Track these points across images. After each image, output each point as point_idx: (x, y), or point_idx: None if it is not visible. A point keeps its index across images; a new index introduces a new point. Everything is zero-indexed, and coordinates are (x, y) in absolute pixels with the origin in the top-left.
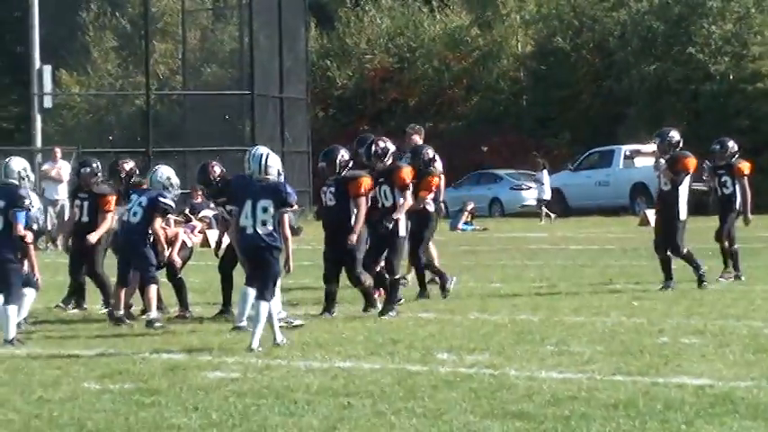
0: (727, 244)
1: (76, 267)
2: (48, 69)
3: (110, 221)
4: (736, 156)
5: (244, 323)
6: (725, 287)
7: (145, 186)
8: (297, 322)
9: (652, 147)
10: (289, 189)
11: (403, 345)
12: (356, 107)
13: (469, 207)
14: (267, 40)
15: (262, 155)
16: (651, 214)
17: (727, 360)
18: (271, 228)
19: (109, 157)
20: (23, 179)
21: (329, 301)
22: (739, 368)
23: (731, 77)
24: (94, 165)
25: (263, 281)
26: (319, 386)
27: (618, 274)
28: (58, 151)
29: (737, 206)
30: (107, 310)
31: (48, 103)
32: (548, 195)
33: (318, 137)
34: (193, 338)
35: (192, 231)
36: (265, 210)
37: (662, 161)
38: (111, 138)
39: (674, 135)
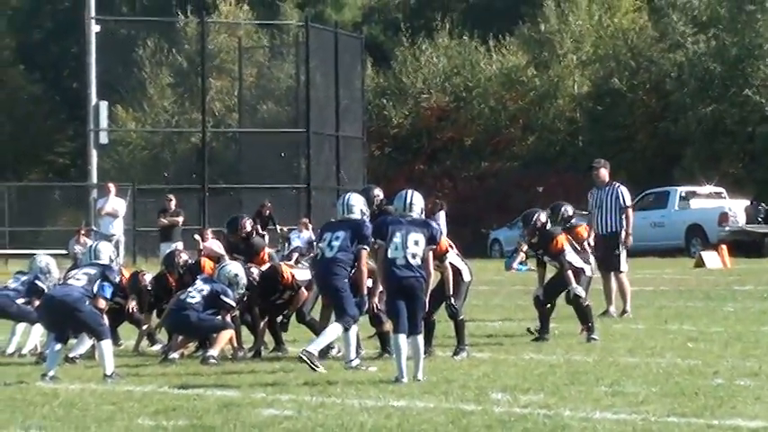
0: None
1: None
2: (104, 105)
3: None
4: (571, 221)
5: (357, 361)
6: None
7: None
8: (371, 369)
9: (708, 188)
10: (435, 226)
11: (457, 384)
12: (412, 146)
13: (525, 247)
14: (323, 78)
15: (406, 193)
16: (707, 256)
17: None
18: (420, 261)
19: (164, 193)
20: (112, 261)
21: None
22: None
23: None
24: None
25: (413, 313)
26: (373, 425)
27: (673, 315)
28: (112, 187)
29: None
30: (161, 347)
31: (104, 139)
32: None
33: (374, 175)
34: (248, 376)
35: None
36: (416, 243)
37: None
38: (166, 174)
39: (568, 209)
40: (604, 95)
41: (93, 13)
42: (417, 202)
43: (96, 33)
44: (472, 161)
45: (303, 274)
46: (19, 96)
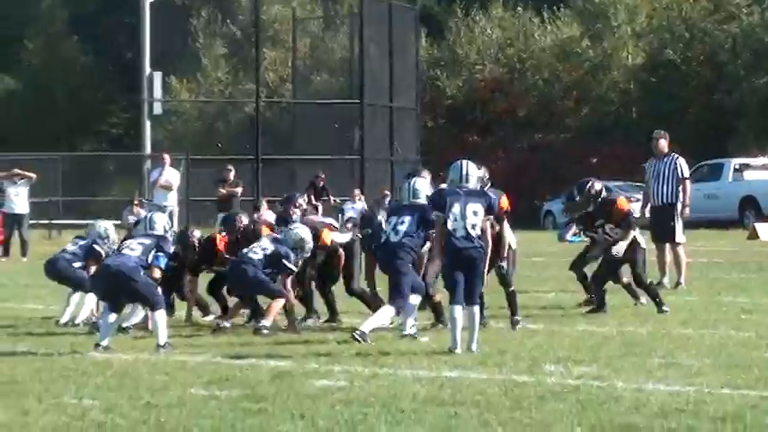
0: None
1: None
2: (158, 76)
3: None
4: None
5: (413, 330)
6: None
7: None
8: (424, 339)
9: (762, 160)
10: (493, 195)
11: (510, 355)
12: (466, 117)
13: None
14: (377, 49)
15: (462, 163)
16: (761, 228)
17: None
18: (480, 232)
19: (218, 163)
20: (167, 231)
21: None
22: None
23: None
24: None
25: (471, 284)
26: (426, 395)
27: (726, 287)
28: (167, 157)
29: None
30: (213, 318)
31: (158, 109)
32: None
33: (427, 146)
34: (300, 346)
35: None
36: (475, 213)
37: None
38: (219, 145)
39: (596, 185)
40: (658, 67)
41: None
42: (473, 172)
43: (150, 3)
44: (525, 133)
45: (342, 236)
46: (72, 67)
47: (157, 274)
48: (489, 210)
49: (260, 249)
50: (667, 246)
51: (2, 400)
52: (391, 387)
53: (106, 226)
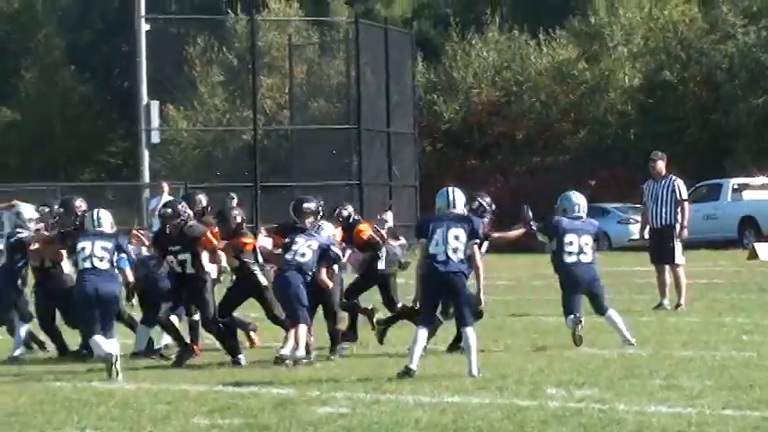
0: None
1: None
2: (155, 104)
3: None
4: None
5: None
6: None
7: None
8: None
9: (761, 179)
10: (477, 220)
11: (512, 379)
12: (463, 141)
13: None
14: (374, 75)
15: (448, 190)
16: (760, 248)
17: None
18: (462, 256)
19: (217, 191)
20: (113, 227)
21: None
22: None
23: None
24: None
25: (460, 307)
26: (428, 421)
27: (727, 307)
28: (165, 186)
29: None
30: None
31: (155, 138)
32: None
33: (426, 171)
34: (302, 373)
35: None
36: (457, 237)
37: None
38: (218, 173)
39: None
40: (655, 88)
41: (143, 12)
42: (459, 198)
43: (146, 32)
44: (524, 156)
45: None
46: (70, 97)
47: (129, 274)
48: (473, 234)
49: (306, 248)
50: (667, 267)
51: (5, 431)
52: (393, 413)
53: (19, 210)
